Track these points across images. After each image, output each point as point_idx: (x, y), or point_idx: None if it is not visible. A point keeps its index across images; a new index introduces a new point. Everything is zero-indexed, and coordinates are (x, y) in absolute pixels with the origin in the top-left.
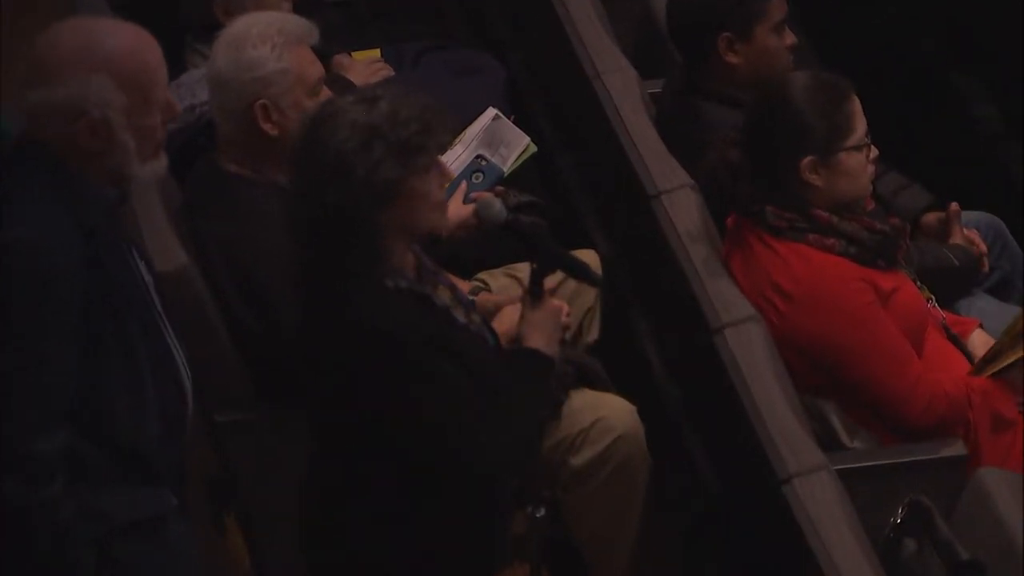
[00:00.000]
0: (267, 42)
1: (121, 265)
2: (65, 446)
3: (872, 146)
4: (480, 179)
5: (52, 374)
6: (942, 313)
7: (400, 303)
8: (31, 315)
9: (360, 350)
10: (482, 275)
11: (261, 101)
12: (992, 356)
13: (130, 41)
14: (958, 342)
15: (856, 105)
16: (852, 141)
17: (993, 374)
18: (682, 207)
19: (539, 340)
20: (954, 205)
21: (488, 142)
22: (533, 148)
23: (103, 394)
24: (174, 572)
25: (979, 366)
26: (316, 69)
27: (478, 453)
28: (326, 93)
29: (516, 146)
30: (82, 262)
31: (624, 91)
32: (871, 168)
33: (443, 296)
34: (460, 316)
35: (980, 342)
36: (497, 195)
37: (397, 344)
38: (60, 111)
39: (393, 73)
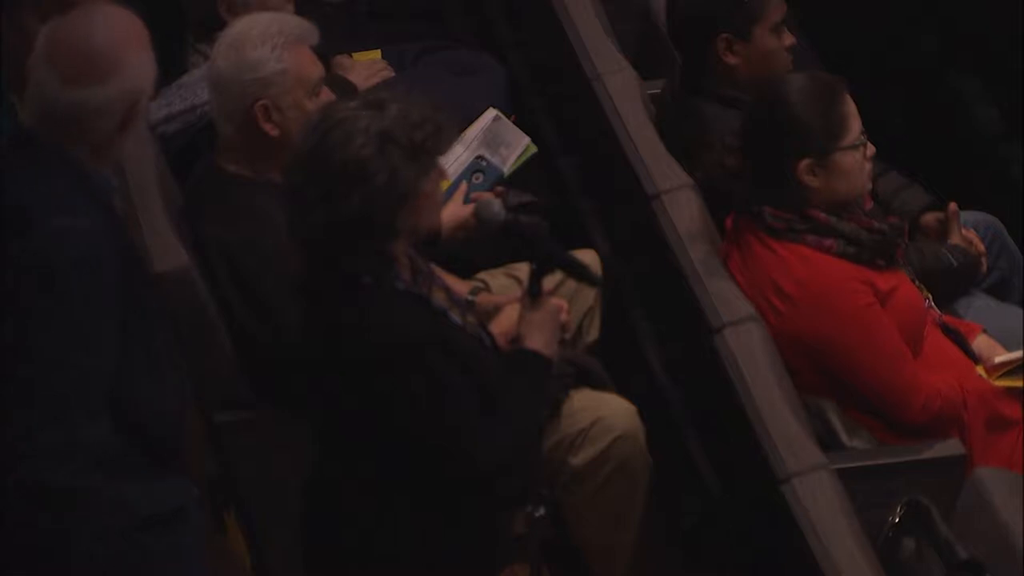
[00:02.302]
0: (267, 43)
1: (131, 251)
2: (108, 433)
3: (869, 144)
4: (480, 179)
5: (101, 359)
6: (939, 313)
7: (401, 305)
8: (84, 300)
9: (363, 352)
10: (482, 275)
11: (262, 102)
12: (1012, 371)
13: (133, 15)
14: (958, 339)
15: (850, 104)
16: (848, 140)
17: (1007, 388)
18: (682, 207)
19: (538, 340)
20: (953, 205)
21: (488, 142)
22: (533, 148)
23: (129, 380)
24: (193, 561)
25: (994, 375)
26: (316, 69)
27: (479, 453)
28: (326, 94)
29: (516, 146)
30: (116, 248)
31: (624, 92)
32: (868, 166)
33: (439, 297)
34: (456, 317)
35: (986, 347)
36: (497, 195)
37: (400, 346)
38: (121, 102)
39: (393, 74)
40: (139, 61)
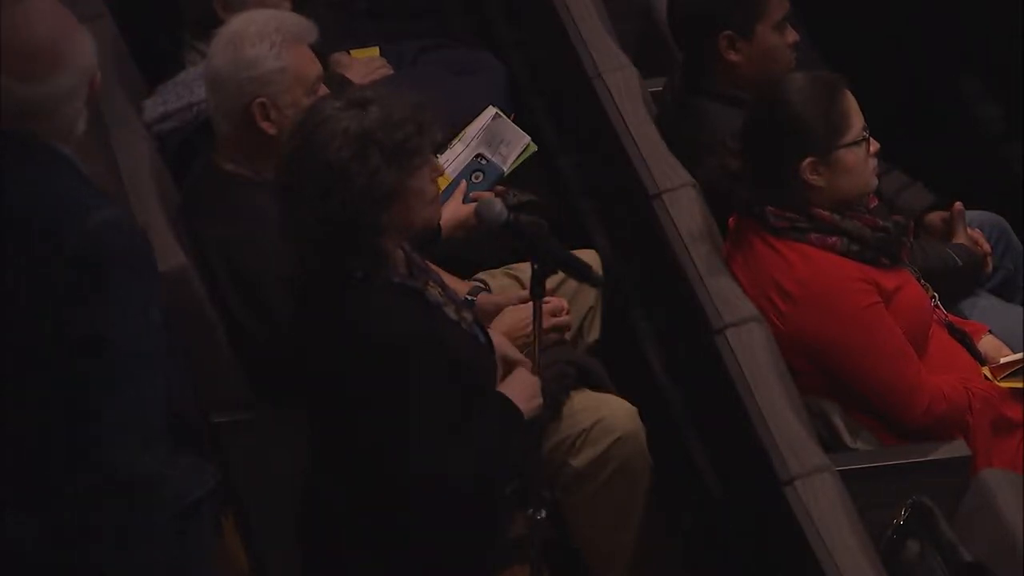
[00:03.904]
0: (265, 40)
1: None
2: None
3: (872, 139)
4: (480, 178)
5: (159, 344)
6: (944, 312)
7: (394, 299)
8: (139, 286)
9: (353, 350)
10: (482, 275)
11: (259, 99)
12: (1015, 372)
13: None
14: (963, 339)
15: (851, 101)
16: (850, 137)
17: (1011, 389)
18: (683, 206)
19: (518, 394)
20: (958, 205)
21: (488, 141)
22: (533, 147)
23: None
24: (211, 545)
25: (999, 376)
26: (315, 68)
27: (426, 470)
28: (324, 91)
29: (516, 145)
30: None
31: (625, 90)
32: (873, 162)
33: (434, 293)
34: (451, 313)
35: (992, 347)
36: (497, 195)
37: (386, 345)
38: (81, 83)
39: (392, 72)
40: (82, 39)
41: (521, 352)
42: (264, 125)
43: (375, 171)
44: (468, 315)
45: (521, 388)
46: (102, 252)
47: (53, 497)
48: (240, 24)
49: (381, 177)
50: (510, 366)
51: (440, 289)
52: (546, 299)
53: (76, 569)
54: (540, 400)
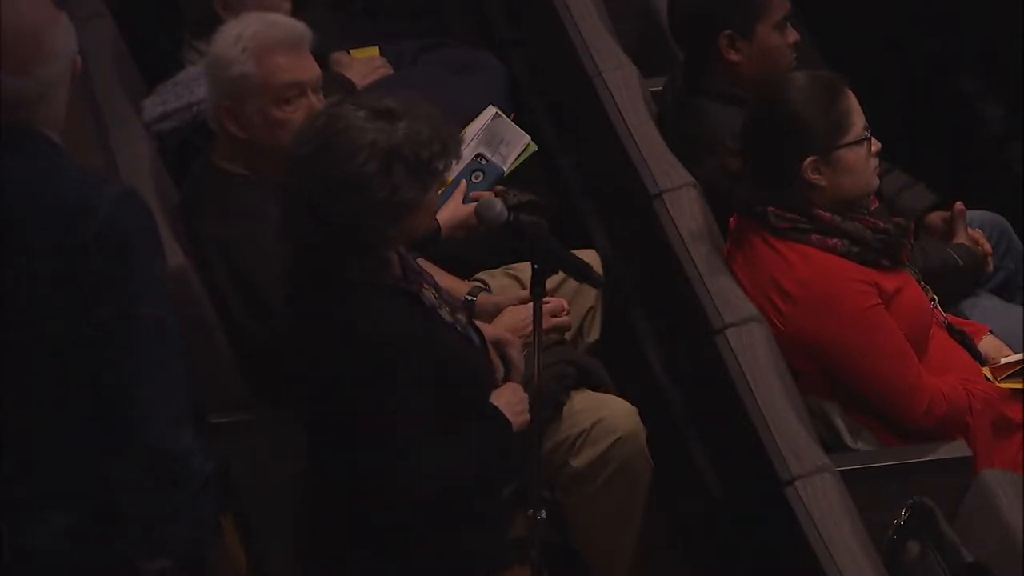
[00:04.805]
0: (239, 44)
1: None
2: None
3: (873, 139)
4: (480, 178)
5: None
6: (943, 314)
7: (392, 300)
8: (158, 257)
9: (352, 350)
10: (482, 275)
11: (225, 103)
12: (1016, 372)
13: None
14: (964, 341)
15: (852, 100)
16: (851, 137)
17: (1012, 389)
18: (683, 206)
19: (500, 405)
20: (959, 205)
21: (488, 141)
22: (533, 147)
23: None
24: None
25: (1000, 376)
26: (287, 76)
27: (407, 479)
28: (317, 99)
29: (516, 145)
30: None
31: (625, 89)
32: (874, 162)
33: (428, 295)
34: (446, 315)
35: (992, 347)
36: (497, 195)
37: (388, 346)
38: (67, 67)
39: (392, 72)
40: (63, 24)
41: (521, 352)
42: (232, 128)
43: (397, 187)
44: (462, 317)
45: (510, 403)
46: (124, 226)
47: (81, 489)
48: (228, 26)
49: (402, 193)
50: (500, 347)
51: (434, 291)
52: (546, 299)
53: (97, 566)
54: (527, 416)
